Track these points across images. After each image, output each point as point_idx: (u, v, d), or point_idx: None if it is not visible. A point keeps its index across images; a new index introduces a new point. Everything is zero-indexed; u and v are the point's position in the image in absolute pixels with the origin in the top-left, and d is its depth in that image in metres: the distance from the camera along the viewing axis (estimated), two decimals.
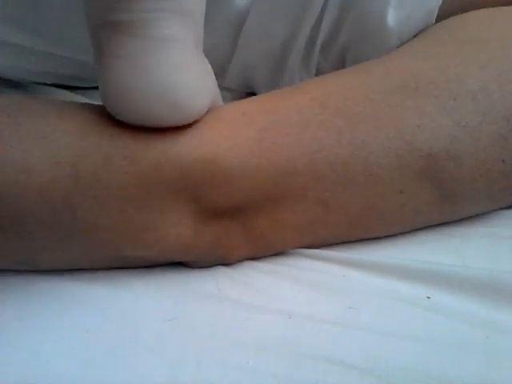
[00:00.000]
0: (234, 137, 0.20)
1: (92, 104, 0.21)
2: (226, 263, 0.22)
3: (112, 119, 0.19)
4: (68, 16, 0.26)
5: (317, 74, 0.31)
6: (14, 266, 0.20)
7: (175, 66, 0.18)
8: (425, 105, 0.21)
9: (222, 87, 0.32)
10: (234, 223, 0.21)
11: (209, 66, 0.21)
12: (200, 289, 0.20)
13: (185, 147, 0.19)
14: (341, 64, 0.29)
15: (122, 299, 0.20)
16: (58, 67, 0.30)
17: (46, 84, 0.32)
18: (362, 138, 0.20)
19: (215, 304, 0.20)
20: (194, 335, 0.18)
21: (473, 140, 0.21)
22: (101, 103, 0.19)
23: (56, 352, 0.18)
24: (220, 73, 0.31)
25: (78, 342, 0.18)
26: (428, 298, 0.20)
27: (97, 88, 0.19)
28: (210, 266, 0.22)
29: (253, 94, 0.33)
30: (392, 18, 0.26)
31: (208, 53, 0.30)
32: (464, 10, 0.26)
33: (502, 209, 0.24)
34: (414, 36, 0.27)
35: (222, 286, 0.21)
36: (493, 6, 0.26)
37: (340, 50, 0.29)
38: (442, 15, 0.26)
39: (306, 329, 0.19)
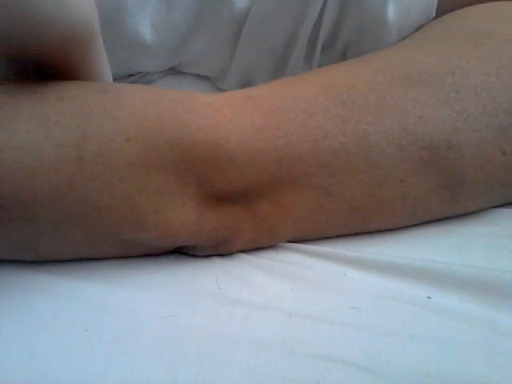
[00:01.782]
0: (239, 120, 0.20)
1: (92, 84, 0.21)
2: (227, 253, 0.22)
3: (114, 100, 0.19)
4: None
5: None
6: (15, 252, 0.20)
7: None
8: (427, 96, 0.21)
9: (222, 89, 0.32)
10: (237, 208, 0.21)
11: None
12: (199, 286, 0.20)
13: (186, 129, 0.19)
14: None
15: (120, 296, 0.20)
16: None
17: None
18: (364, 127, 0.21)
19: (215, 302, 0.20)
20: (193, 333, 0.19)
21: (474, 131, 0.21)
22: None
23: (54, 350, 0.18)
24: (220, 75, 0.31)
25: (77, 340, 0.18)
26: (428, 297, 0.20)
27: None
28: (211, 263, 0.22)
29: None
30: (392, 12, 0.26)
31: (208, 54, 0.30)
32: (461, 5, 0.26)
33: (502, 207, 0.24)
34: (416, 30, 0.27)
35: (221, 283, 0.21)
36: (489, 0, 0.25)
37: (341, 47, 0.29)
38: (441, 10, 0.26)
39: (306, 328, 0.19)
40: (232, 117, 0.20)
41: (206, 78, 0.32)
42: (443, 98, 0.21)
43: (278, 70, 0.30)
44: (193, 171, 0.20)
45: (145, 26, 0.27)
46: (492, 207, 0.24)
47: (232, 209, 0.21)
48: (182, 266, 0.22)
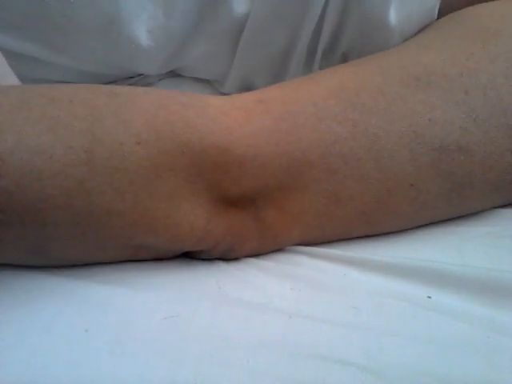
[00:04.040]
0: (249, 125, 0.20)
1: (101, 87, 0.20)
2: (231, 258, 0.22)
3: (124, 103, 0.19)
4: (96, 41, 0.27)
5: None
6: (25, 258, 0.20)
7: None
8: (436, 98, 0.21)
9: (222, 92, 0.32)
10: (246, 216, 0.21)
11: None
12: (200, 286, 0.20)
13: (197, 134, 0.19)
14: None
15: (121, 297, 0.20)
16: (70, 76, 0.31)
17: None
18: (374, 131, 0.20)
19: (215, 302, 0.20)
20: (193, 333, 0.19)
21: (482, 132, 0.21)
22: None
23: (54, 350, 0.18)
24: (220, 78, 0.31)
25: (77, 341, 0.18)
26: (429, 297, 0.20)
27: None
28: (211, 263, 0.22)
29: None
30: (393, 17, 0.26)
31: (207, 59, 0.30)
32: (462, 7, 0.26)
33: (502, 207, 0.24)
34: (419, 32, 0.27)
35: (222, 283, 0.21)
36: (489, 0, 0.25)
37: (342, 53, 0.29)
38: (442, 13, 0.26)
39: (305, 328, 0.19)
40: (243, 121, 0.20)
41: (205, 81, 0.32)
42: (452, 100, 0.21)
43: (279, 74, 0.30)
44: (203, 176, 0.19)
45: (140, 31, 0.27)
46: (492, 207, 0.24)
47: (240, 216, 0.21)
48: (183, 267, 0.22)
